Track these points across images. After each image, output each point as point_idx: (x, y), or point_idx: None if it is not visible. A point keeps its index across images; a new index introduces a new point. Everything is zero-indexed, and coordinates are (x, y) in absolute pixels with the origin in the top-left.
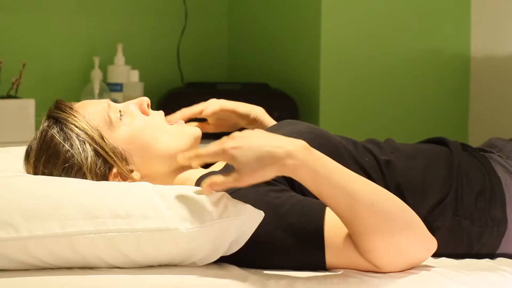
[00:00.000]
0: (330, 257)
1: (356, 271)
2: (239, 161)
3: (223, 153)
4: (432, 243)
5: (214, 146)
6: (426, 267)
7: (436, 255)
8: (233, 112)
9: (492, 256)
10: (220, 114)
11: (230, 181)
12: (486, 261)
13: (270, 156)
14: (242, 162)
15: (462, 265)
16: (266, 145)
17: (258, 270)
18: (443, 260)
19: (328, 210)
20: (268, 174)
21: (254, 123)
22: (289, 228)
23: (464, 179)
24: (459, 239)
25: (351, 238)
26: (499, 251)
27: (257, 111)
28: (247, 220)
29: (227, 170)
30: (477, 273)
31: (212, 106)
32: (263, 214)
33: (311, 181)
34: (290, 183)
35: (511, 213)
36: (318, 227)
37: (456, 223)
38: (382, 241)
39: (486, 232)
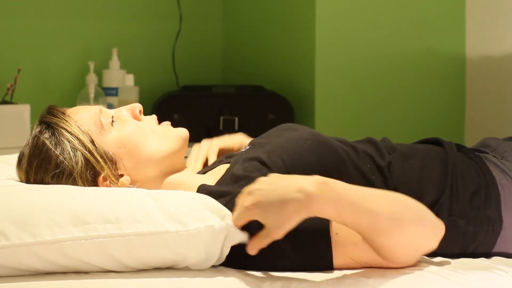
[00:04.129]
0: (337, 256)
1: (353, 271)
2: (265, 219)
3: (247, 211)
4: (440, 229)
5: (237, 209)
6: (422, 267)
7: (432, 254)
8: (223, 150)
9: (488, 255)
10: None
11: (264, 240)
12: (481, 260)
13: (293, 205)
14: (267, 219)
15: (457, 265)
16: (285, 193)
17: (253, 272)
18: (439, 259)
19: None
20: (295, 220)
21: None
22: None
23: (459, 179)
24: (454, 239)
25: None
26: (494, 250)
27: (242, 138)
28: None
29: (223, 183)
30: (472, 272)
31: (212, 159)
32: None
33: (335, 214)
34: None
35: (506, 213)
36: (324, 226)
37: (452, 223)
38: (397, 239)
39: (481, 231)
